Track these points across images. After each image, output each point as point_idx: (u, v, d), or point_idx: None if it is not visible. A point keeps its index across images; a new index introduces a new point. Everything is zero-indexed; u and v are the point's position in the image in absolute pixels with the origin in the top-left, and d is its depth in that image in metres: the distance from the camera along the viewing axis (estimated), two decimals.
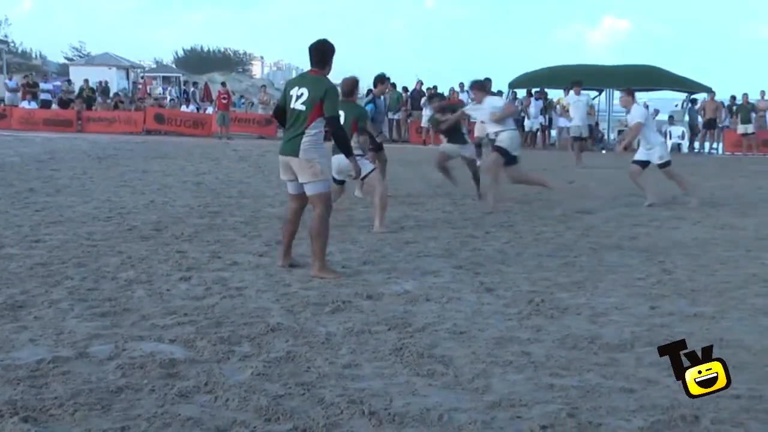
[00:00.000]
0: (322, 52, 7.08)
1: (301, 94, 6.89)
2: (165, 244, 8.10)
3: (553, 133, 29.03)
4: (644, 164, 12.54)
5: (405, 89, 29.05)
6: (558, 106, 27.80)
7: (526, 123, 27.74)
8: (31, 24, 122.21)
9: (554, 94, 28.84)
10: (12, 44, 61.27)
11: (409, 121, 28.51)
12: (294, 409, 3.99)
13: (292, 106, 6.94)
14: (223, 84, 31.26)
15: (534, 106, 27.75)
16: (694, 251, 8.55)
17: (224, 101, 27.84)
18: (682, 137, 27.94)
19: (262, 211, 10.51)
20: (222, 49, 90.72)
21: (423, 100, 27.47)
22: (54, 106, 30.46)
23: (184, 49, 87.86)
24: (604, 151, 26.41)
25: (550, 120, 28.44)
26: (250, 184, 13.66)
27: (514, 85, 28.96)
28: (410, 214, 10.74)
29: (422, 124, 27.29)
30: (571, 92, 20.53)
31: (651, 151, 12.46)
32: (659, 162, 12.51)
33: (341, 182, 9.87)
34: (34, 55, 68.80)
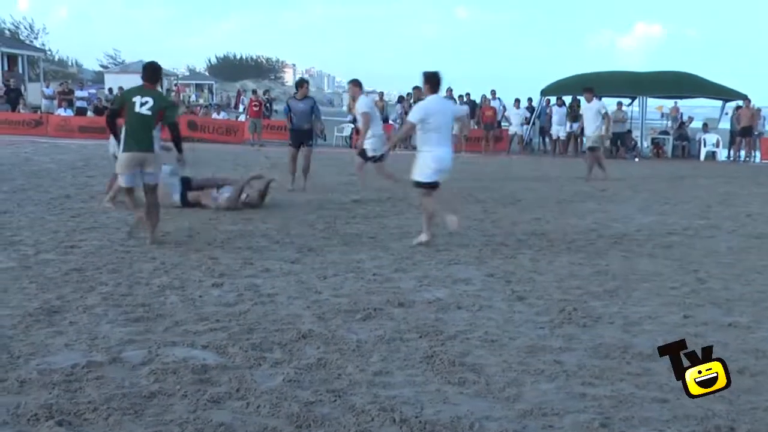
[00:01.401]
0: (155, 71, 8.80)
1: (146, 102, 8.45)
2: (197, 251, 8.16)
3: (585, 140, 28.83)
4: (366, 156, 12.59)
5: None
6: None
7: (552, 130, 27.64)
8: (68, 32, 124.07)
9: None
10: (49, 52, 62.21)
11: None
12: (325, 416, 4.00)
13: (137, 111, 8.41)
14: (254, 92, 31.47)
15: (557, 113, 27.59)
16: (728, 260, 8.46)
17: (256, 108, 28.00)
18: (717, 145, 27.63)
19: (293, 218, 10.55)
20: (254, 57, 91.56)
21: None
22: (89, 113, 30.78)
23: (217, 57, 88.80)
24: (637, 160, 26.22)
25: (582, 128, 28.25)
26: (280, 191, 13.70)
27: (545, 92, 28.83)
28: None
29: (454, 132, 27.20)
30: (582, 100, 19.78)
31: (369, 140, 12.52)
32: (371, 154, 12.55)
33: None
34: (70, 63, 69.84)
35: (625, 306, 6.42)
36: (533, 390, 4.48)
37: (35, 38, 61.44)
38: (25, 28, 62.32)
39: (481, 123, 27.61)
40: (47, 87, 35.43)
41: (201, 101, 49.36)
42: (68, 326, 5.44)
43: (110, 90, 38.78)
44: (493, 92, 28.95)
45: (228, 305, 6.13)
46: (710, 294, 6.90)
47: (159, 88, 8.82)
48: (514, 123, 28.21)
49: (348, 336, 5.41)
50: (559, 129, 27.63)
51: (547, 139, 28.66)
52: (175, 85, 55.95)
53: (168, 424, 3.86)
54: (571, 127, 27.50)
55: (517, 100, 28.84)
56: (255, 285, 6.80)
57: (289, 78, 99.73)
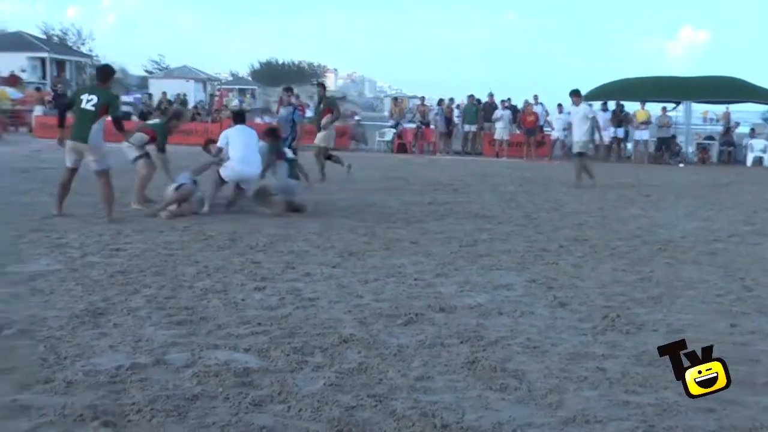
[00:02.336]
0: (106, 73, 10.69)
1: (92, 98, 9.89)
2: (240, 254, 8.22)
3: (629, 146, 28.59)
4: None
5: (478, 101, 28.98)
6: (634, 119, 27.37)
7: (595, 135, 27.37)
8: (115, 38, 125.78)
9: (631, 106, 28.38)
10: (96, 58, 63.00)
11: (482, 133, 28.40)
12: (366, 421, 4.00)
13: (82, 107, 9.89)
14: (297, 96, 31.54)
15: (601, 119, 27.28)
16: None
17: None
18: (764, 150, 27.16)
19: (334, 223, 10.58)
20: (296, 62, 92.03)
21: (495, 113, 27.29)
22: (134, 118, 31.17)
23: (259, 62, 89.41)
24: (681, 165, 25.91)
25: (626, 132, 27.99)
26: (322, 195, 13.77)
27: (590, 97, 28.58)
28: (483, 227, 10.69)
29: (495, 137, 27.15)
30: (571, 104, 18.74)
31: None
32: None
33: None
34: (115, 69, 70.62)
35: (669, 313, 6.34)
36: (576, 397, 4.44)
37: (82, 44, 62.29)
38: (73, 35, 63.24)
39: (521, 128, 27.50)
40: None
41: (245, 106, 49.69)
42: (113, 328, 5.50)
43: (149, 95, 39.26)
44: (536, 97, 28.80)
45: (270, 309, 6.16)
46: (757, 302, 6.79)
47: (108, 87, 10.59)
48: (557, 128, 27.94)
49: (389, 341, 5.41)
50: (602, 134, 27.36)
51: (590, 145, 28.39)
52: (219, 89, 56.40)
53: (210, 427, 3.89)
54: (615, 132, 27.25)
55: (560, 105, 28.63)
56: (296, 289, 6.83)
57: (331, 83, 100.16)
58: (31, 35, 46.34)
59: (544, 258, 8.57)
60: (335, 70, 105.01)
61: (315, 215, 11.23)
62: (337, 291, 6.82)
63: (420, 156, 26.62)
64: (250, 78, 79.36)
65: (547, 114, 29.00)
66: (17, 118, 33.38)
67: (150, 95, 39.05)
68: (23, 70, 40.06)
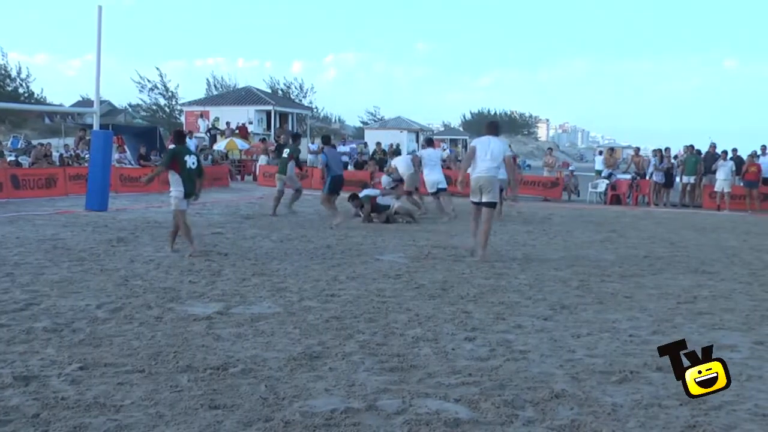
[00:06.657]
0: (295, 136, 20.89)
1: (286, 150, 18.26)
2: (451, 304, 8.26)
3: None
4: None
5: (698, 152, 27.82)
6: None
7: None
8: (334, 91, 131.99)
9: None
10: (315, 110, 66.26)
11: (701, 185, 27.17)
12: None
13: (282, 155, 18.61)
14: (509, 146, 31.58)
15: None
16: None
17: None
18: None
19: (546, 275, 10.43)
20: (508, 112, 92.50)
21: (715, 163, 26.07)
22: (350, 167, 32.35)
23: (471, 113, 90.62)
24: None
25: None
26: (534, 247, 13.65)
27: None
28: (703, 283, 10.18)
29: (715, 189, 25.89)
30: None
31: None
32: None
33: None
34: (333, 120, 73.96)
35: None
36: None
37: (304, 97, 65.76)
38: (296, 88, 66.91)
39: (743, 180, 26.10)
40: (312, 143, 37.77)
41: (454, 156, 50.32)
42: (328, 372, 5.67)
43: (365, 145, 40.68)
44: (764, 147, 27.27)
45: (480, 360, 6.13)
46: None
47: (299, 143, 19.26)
48: None
49: (603, 398, 5.23)
50: None
51: None
52: None
53: None
54: None
55: None
56: (507, 341, 6.77)
57: (543, 133, 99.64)
58: (258, 90, 49.50)
59: None
60: (547, 120, 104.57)
61: (526, 267, 11.12)
62: (549, 344, 6.69)
63: (635, 208, 25.82)
64: (461, 128, 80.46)
65: None
66: (243, 168, 35.58)
67: (365, 144, 40.52)
68: (250, 122, 42.75)
